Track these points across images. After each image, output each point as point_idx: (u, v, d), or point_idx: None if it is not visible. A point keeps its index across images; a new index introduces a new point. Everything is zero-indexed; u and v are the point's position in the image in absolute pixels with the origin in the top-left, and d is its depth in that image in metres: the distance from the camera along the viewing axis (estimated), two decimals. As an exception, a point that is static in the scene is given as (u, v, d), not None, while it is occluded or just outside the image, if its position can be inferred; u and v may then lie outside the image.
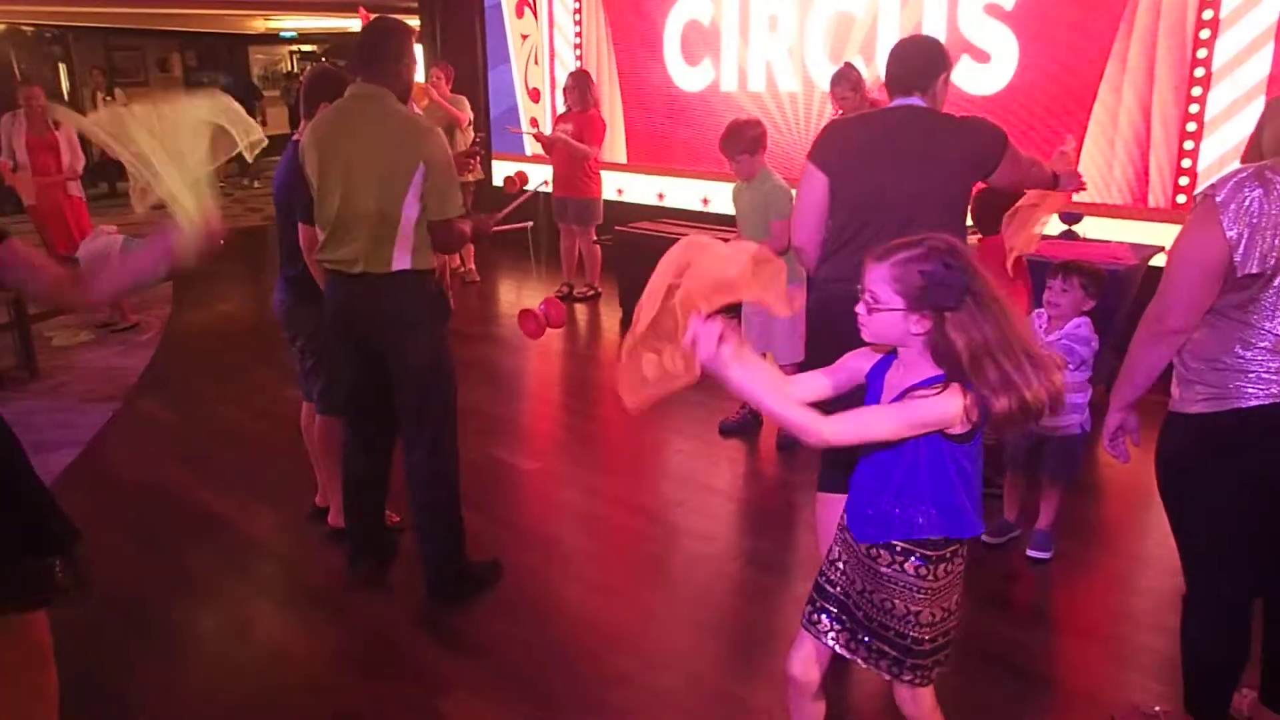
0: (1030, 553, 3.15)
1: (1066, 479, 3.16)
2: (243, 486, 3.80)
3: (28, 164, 6.12)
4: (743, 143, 3.98)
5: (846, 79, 4.74)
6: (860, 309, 1.67)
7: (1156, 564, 3.08)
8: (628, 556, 3.34)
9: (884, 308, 1.62)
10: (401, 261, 2.76)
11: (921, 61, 2.60)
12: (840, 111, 4.94)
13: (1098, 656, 2.68)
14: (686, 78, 7.24)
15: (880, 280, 1.62)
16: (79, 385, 5.04)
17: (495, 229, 3.30)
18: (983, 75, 5.50)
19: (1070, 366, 2.98)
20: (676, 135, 7.44)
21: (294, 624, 2.95)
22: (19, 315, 5.25)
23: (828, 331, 2.59)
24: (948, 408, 1.58)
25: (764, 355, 4.24)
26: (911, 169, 2.49)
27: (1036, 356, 1.57)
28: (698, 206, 7.18)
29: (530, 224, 3.64)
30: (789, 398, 1.66)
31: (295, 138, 3.27)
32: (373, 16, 3.46)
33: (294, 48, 17.11)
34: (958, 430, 1.61)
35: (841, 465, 2.61)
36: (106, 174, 12.03)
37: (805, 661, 1.90)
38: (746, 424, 4.29)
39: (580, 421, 4.63)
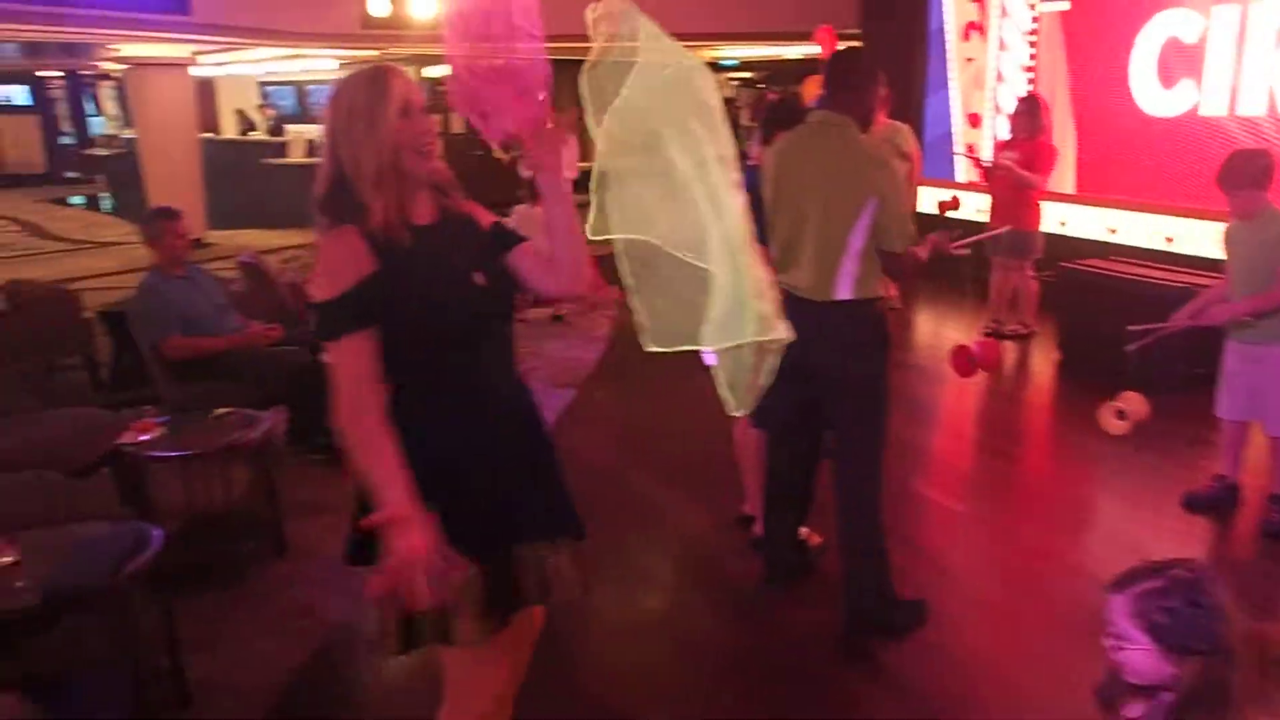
0: None
1: None
2: (679, 482, 4.12)
3: None
4: (1248, 175, 3.47)
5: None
6: (1108, 644, 1.50)
7: None
8: (1062, 621, 3.08)
9: (1130, 646, 1.46)
10: (844, 290, 2.79)
11: None
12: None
13: None
14: (1158, 102, 6.50)
15: (1122, 613, 1.46)
16: (545, 371, 5.81)
17: (955, 249, 3.24)
18: None
19: None
20: (1137, 164, 6.72)
21: (713, 621, 3.12)
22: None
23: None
24: None
25: (1247, 424, 3.69)
26: None
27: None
28: (1159, 245, 6.41)
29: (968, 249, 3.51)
30: None
31: (750, 162, 3.45)
32: (840, 45, 3.54)
33: (732, 75, 18.20)
34: None
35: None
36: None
37: None
38: (1220, 500, 3.73)
39: (1010, 466, 4.36)
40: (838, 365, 2.87)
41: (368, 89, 1.66)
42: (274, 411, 3.87)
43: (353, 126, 1.65)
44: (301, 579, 3.32)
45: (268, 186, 12.97)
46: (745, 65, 17.53)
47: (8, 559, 2.37)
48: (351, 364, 1.63)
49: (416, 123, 1.68)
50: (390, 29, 9.83)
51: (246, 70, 15.41)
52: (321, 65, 14.54)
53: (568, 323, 6.96)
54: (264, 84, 16.56)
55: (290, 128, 14.74)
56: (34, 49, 13.19)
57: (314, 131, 13.88)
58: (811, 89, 7.27)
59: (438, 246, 1.72)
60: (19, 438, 3.58)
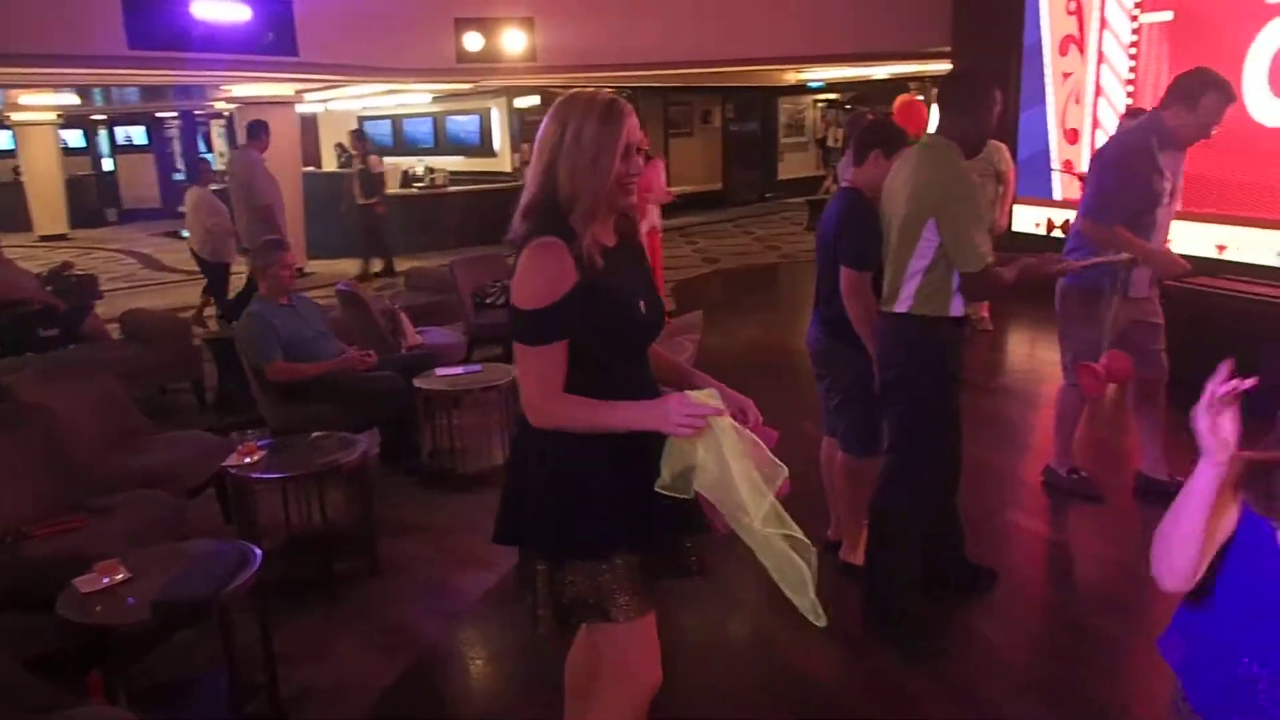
0: None
1: None
2: (762, 506, 4.07)
3: None
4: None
5: None
6: None
7: None
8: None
9: None
10: (903, 304, 2.91)
11: None
12: None
13: None
14: (1272, 112, 6.20)
15: None
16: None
17: (1059, 271, 3.20)
18: None
19: None
20: (1247, 178, 6.40)
21: (803, 650, 3.06)
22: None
23: None
24: None
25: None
26: None
27: None
28: (1271, 261, 6.08)
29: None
30: None
31: (844, 184, 3.43)
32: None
33: (818, 97, 18.10)
34: None
35: None
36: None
37: None
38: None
39: (1107, 492, 4.16)
40: (888, 374, 3.00)
41: (600, 124, 1.70)
42: (369, 434, 4.00)
43: (578, 156, 1.70)
44: (394, 597, 3.40)
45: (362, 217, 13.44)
46: (831, 87, 17.40)
47: (120, 576, 2.51)
48: (549, 369, 1.74)
49: (632, 163, 1.75)
50: (483, 62, 10.11)
51: (346, 106, 16.07)
52: (415, 99, 15.07)
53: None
54: (362, 118, 17.23)
55: (387, 160, 15.28)
56: (153, 92, 14.02)
57: (410, 163, 14.40)
58: (904, 110, 7.20)
59: (619, 269, 1.81)
60: (144, 459, 3.80)
